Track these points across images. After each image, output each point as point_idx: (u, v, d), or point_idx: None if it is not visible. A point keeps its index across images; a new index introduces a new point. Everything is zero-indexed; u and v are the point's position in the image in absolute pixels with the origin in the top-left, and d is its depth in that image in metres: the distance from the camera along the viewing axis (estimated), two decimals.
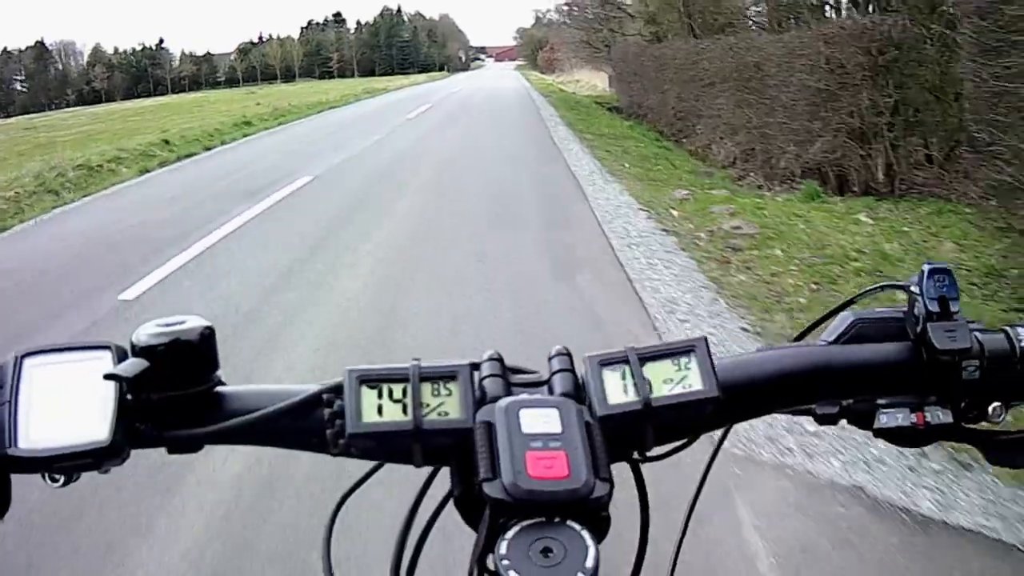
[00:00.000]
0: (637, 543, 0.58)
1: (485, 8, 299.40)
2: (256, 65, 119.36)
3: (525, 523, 0.47)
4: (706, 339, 0.55)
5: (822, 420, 0.61)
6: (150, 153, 14.81)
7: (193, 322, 0.56)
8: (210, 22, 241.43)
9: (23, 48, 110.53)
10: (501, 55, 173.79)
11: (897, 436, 0.60)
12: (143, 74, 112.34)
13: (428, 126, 18.53)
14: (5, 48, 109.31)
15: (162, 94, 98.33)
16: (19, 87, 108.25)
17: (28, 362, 0.53)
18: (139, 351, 0.54)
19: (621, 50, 24.12)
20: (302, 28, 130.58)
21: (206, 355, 0.56)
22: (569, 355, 0.57)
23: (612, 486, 0.49)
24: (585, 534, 0.46)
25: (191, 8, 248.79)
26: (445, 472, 0.55)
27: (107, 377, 0.52)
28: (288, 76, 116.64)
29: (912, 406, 0.59)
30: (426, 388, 0.53)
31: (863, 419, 0.60)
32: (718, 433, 0.64)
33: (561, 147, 12.82)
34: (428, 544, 0.57)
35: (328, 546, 0.58)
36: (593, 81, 40.50)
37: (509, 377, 0.56)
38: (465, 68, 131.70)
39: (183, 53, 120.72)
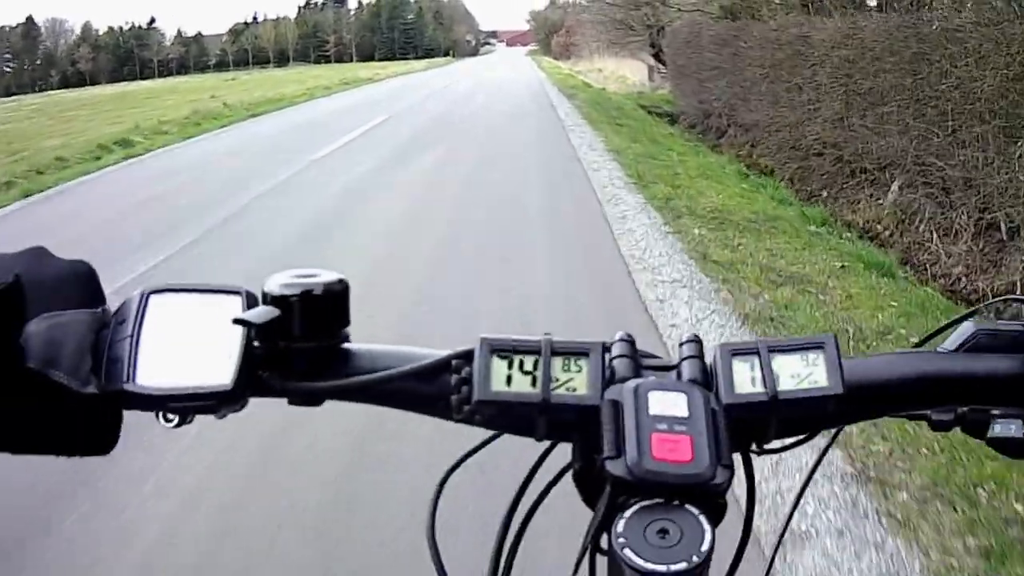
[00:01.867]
0: (740, 534, 0.59)
1: None
2: (248, 48, 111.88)
3: (644, 503, 0.47)
4: (835, 336, 0.55)
5: (936, 426, 0.61)
6: None
7: (327, 276, 0.55)
8: (205, 2, 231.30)
9: (13, 25, 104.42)
10: (513, 40, 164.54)
11: (1009, 445, 0.60)
12: (130, 56, 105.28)
13: (350, 178, 9.58)
14: None
15: (148, 77, 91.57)
16: (6, 68, 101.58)
17: (155, 299, 0.53)
18: (270, 300, 0.53)
19: (685, 32, 17.03)
20: (299, 8, 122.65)
21: (337, 310, 0.56)
22: (700, 342, 0.56)
23: (733, 473, 0.49)
24: (703, 518, 0.47)
25: None
26: (560, 448, 0.56)
27: (236, 321, 0.51)
28: (282, 60, 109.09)
29: None
30: (557, 362, 0.53)
31: (977, 428, 0.60)
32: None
33: (634, 258, 5.73)
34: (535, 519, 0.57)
35: (433, 519, 0.58)
36: (621, 71, 33.36)
37: (639, 360, 0.56)
38: (474, 53, 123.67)
39: (178, 33, 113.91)
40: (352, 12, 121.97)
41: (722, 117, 14.00)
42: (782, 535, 0.68)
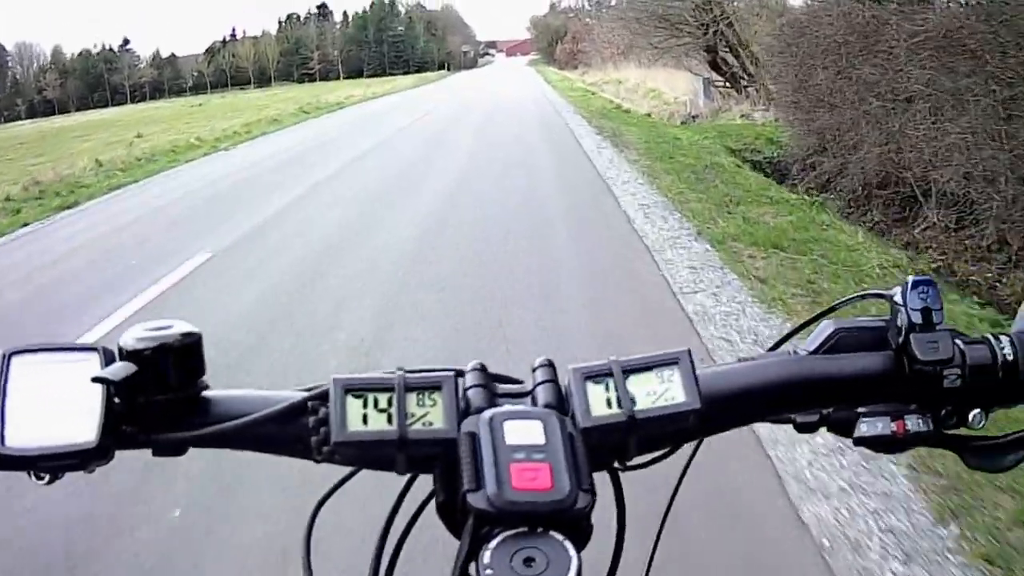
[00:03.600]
0: (612, 548, 0.58)
1: (495, 1, 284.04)
2: (226, 68, 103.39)
3: (508, 533, 0.47)
4: (689, 351, 0.55)
5: (802, 428, 0.61)
6: None
7: (180, 327, 0.56)
8: (186, 19, 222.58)
9: None
10: (512, 49, 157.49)
11: (877, 444, 0.60)
12: (100, 81, 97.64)
13: None
14: None
15: (120, 103, 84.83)
16: None
17: (16, 360, 0.54)
18: (127, 355, 0.54)
19: (833, 25, 9.54)
20: (280, 22, 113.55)
21: (192, 360, 0.56)
22: (552, 366, 0.57)
23: (594, 496, 0.49)
24: (567, 544, 0.47)
25: (164, 4, 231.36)
26: (423, 477, 0.56)
27: (95, 380, 0.52)
28: (263, 80, 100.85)
29: (892, 415, 0.59)
30: (411, 398, 0.53)
31: (843, 427, 0.60)
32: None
33: None
34: (409, 548, 0.57)
35: (307, 550, 0.58)
36: (653, 84, 26.10)
37: (493, 387, 0.56)
38: (472, 65, 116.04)
39: (156, 55, 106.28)
40: (337, 26, 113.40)
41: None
42: (654, 546, 0.65)
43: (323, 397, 0.54)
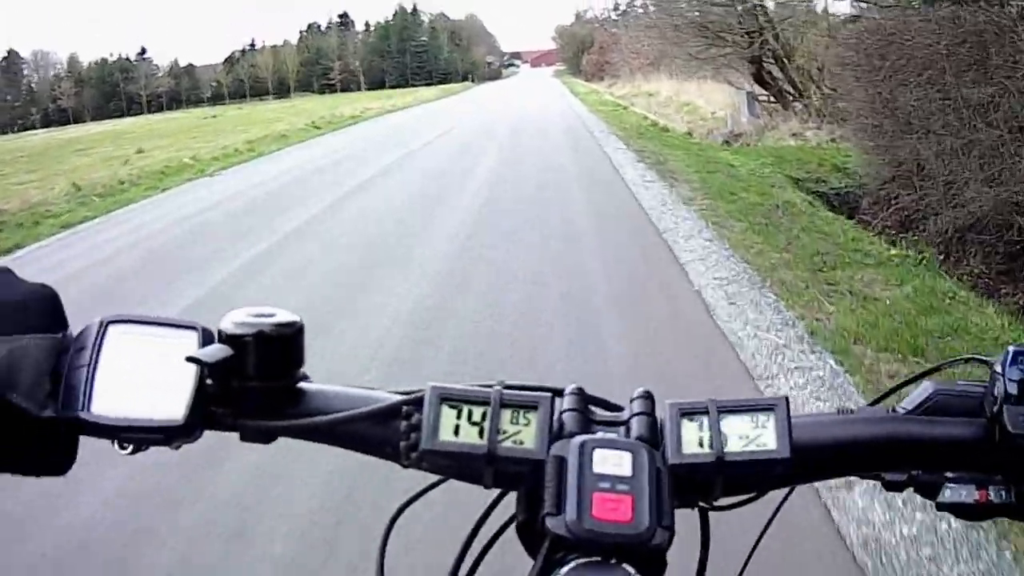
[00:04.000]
0: None
1: (519, 10, 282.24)
2: (244, 78, 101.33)
3: (581, 560, 0.48)
4: (787, 399, 0.55)
5: (889, 487, 0.61)
6: None
7: (283, 316, 0.56)
8: (205, 29, 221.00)
9: None
10: (537, 60, 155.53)
11: (958, 510, 0.60)
12: (116, 90, 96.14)
13: None
14: None
15: (136, 113, 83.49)
16: None
17: (113, 329, 0.54)
18: (225, 338, 0.54)
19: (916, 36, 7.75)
20: (301, 32, 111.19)
21: (291, 350, 0.56)
22: (651, 398, 0.56)
23: (673, 534, 0.49)
24: None
25: (183, 13, 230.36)
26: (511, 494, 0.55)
27: (189, 359, 0.52)
28: (282, 90, 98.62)
29: (977, 483, 0.59)
30: (505, 414, 0.53)
31: (929, 490, 0.60)
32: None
33: None
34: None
35: (382, 553, 0.59)
36: (687, 98, 24.36)
37: (588, 412, 0.56)
38: (496, 76, 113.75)
39: (175, 64, 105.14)
40: (359, 36, 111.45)
41: None
42: None
43: (418, 403, 0.54)
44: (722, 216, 7.25)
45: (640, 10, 36.40)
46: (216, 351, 0.52)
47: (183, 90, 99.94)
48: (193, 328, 0.54)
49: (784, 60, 15.66)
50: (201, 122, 41.19)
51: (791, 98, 16.37)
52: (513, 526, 0.54)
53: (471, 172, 11.90)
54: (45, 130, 66.45)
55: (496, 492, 0.57)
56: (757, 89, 17.30)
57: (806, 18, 15.76)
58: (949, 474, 0.58)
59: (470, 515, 0.56)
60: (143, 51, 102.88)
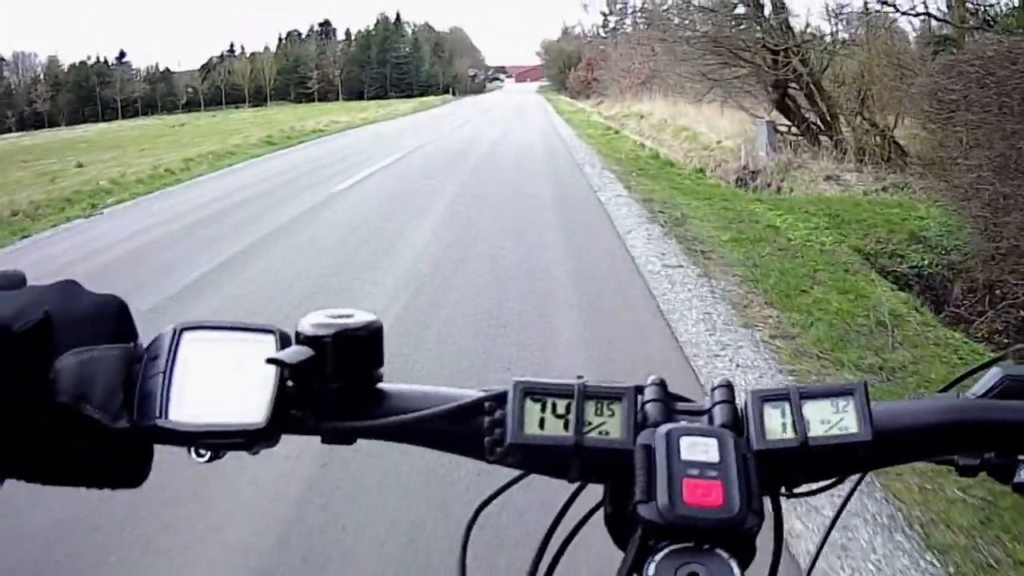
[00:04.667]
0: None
1: (507, 26, 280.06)
2: (221, 85, 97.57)
3: (675, 547, 0.48)
4: (866, 384, 0.55)
5: (963, 471, 0.61)
6: None
7: (361, 316, 0.56)
8: (187, 32, 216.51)
9: None
10: (522, 75, 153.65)
11: None
12: (92, 94, 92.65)
13: None
14: None
15: (111, 119, 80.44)
16: None
17: (187, 336, 0.54)
18: (303, 340, 0.54)
19: None
20: (280, 39, 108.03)
21: (371, 350, 0.56)
22: (731, 387, 0.57)
23: (762, 518, 0.50)
24: (732, 562, 0.47)
25: (165, 16, 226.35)
26: (590, 487, 0.56)
27: (269, 361, 0.52)
28: (258, 98, 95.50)
29: None
30: (590, 406, 0.54)
31: (1003, 473, 0.60)
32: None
33: None
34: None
35: (464, 549, 0.59)
36: (685, 121, 21.92)
37: (671, 403, 0.56)
38: (479, 90, 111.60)
39: (155, 68, 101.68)
40: (340, 44, 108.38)
41: None
42: (809, 571, 0.67)
43: (500, 399, 0.54)
44: (803, 350, 4.53)
45: (630, 28, 34.06)
46: (298, 352, 0.52)
47: (159, 96, 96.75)
48: (270, 331, 0.54)
49: (815, 87, 13.18)
50: (167, 131, 39.73)
51: (818, 131, 13.95)
52: (591, 519, 0.56)
53: (397, 245, 8.11)
54: (17, 134, 64.24)
55: (575, 486, 0.57)
56: (779, 119, 14.87)
57: (855, 37, 13.29)
58: (1022, 457, 0.58)
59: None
60: (122, 55, 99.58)
